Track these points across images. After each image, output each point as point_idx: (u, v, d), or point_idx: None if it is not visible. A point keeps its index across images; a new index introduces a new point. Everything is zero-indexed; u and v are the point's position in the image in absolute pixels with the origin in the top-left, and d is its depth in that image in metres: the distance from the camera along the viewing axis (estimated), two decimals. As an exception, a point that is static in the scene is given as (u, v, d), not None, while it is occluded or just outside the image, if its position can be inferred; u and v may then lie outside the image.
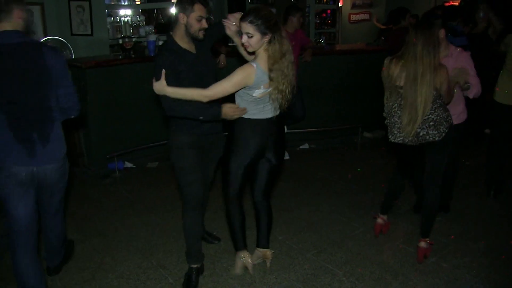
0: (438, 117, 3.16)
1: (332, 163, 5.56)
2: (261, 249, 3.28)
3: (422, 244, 3.44)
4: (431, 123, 3.15)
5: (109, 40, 6.43)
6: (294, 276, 3.25)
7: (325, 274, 3.29)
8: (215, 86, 2.75)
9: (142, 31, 6.50)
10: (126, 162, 5.49)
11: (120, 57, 5.54)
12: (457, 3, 8.27)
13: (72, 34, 6.47)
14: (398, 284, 3.16)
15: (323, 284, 3.17)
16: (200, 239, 3.26)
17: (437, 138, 3.18)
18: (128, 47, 5.29)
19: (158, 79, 2.76)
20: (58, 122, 2.87)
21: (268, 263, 3.30)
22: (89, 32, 6.42)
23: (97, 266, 3.43)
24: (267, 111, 2.88)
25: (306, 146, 6.23)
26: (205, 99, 2.74)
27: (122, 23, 6.49)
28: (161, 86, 2.74)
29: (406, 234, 3.86)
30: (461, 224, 4.02)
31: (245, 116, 2.87)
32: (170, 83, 2.73)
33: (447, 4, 8.22)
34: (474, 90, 3.52)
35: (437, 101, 3.16)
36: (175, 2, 2.97)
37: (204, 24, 2.91)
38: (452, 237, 3.80)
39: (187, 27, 2.91)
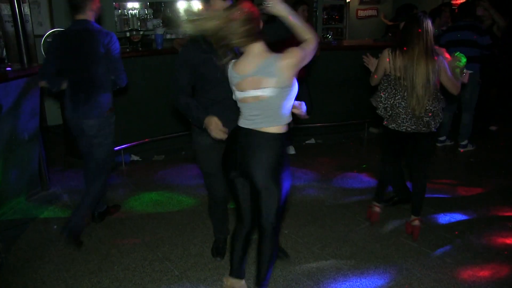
0: (435, 108, 3.43)
1: (338, 158, 5.56)
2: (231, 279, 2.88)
3: (417, 222, 3.71)
4: (429, 114, 3.41)
5: (116, 33, 6.43)
6: (299, 270, 3.27)
7: (330, 268, 3.31)
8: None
9: (149, 25, 6.52)
10: (132, 155, 5.52)
11: (128, 50, 5.56)
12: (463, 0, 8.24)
13: (79, 27, 6.49)
14: (402, 278, 3.17)
15: (328, 278, 3.18)
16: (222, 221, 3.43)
17: (433, 129, 3.45)
18: (136, 40, 5.31)
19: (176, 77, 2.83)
20: (103, 89, 3.57)
21: None
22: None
23: (103, 258, 3.47)
24: None
25: (312, 141, 6.24)
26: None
27: (130, 16, 6.51)
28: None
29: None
30: (464, 220, 4.03)
31: None
32: (181, 78, 2.82)
33: (454, 2, 8.19)
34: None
35: (434, 92, 3.39)
36: None
37: None
38: (456, 232, 3.81)
39: None
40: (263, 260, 2.66)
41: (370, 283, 3.14)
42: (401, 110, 3.49)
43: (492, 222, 4.01)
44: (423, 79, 3.32)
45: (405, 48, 3.39)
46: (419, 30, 3.31)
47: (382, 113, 3.66)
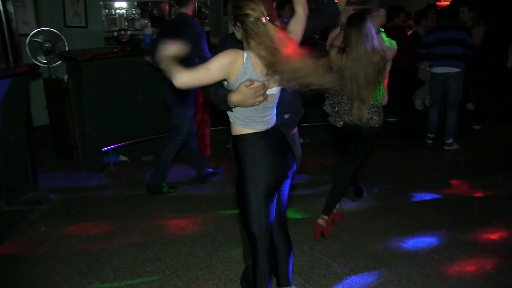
0: (379, 105, 3.56)
1: (326, 157, 5.59)
2: None
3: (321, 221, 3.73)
4: (374, 109, 3.49)
5: (103, 33, 6.42)
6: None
7: (320, 265, 3.35)
8: (198, 68, 2.15)
9: (137, 24, 6.50)
10: (120, 156, 5.49)
11: (115, 49, 5.53)
12: (448, 3, 8.39)
13: (66, 26, 6.47)
14: (391, 275, 3.22)
15: (318, 276, 3.22)
16: None
17: (377, 125, 3.53)
18: (124, 40, 5.30)
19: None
20: None
21: None
22: (84, 24, 6.43)
23: (94, 259, 3.45)
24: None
25: (300, 140, 6.24)
26: (174, 82, 2.11)
27: (117, 16, 6.47)
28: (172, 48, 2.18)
29: (399, 226, 3.93)
30: (450, 217, 4.10)
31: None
32: None
33: (439, 4, 8.31)
34: None
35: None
36: None
37: None
38: (443, 229, 3.87)
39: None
40: (287, 256, 2.70)
41: (360, 280, 3.18)
42: (346, 107, 3.58)
43: (478, 218, 4.09)
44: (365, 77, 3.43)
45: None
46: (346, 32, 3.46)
47: (328, 110, 3.78)
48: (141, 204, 4.37)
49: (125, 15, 6.61)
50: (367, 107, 3.45)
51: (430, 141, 6.16)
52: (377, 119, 3.52)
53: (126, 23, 6.58)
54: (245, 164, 2.31)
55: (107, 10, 6.56)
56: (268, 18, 2.15)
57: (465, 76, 5.76)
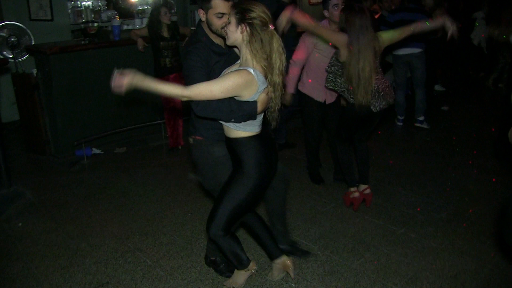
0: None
1: (300, 142, 5.63)
2: (277, 260, 2.99)
3: (368, 190, 3.96)
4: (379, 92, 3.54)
5: (70, 26, 6.29)
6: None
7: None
8: (201, 86, 2.30)
9: (104, 16, 6.39)
10: (93, 149, 5.42)
11: (83, 42, 5.44)
12: None
13: (30, 19, 6.31)
14: (371, 255, 3.30)
15: (299, 259, 3.26)
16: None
17: (376, 109, 3.57)
18: (92, 32, 5.22)
19: (194, 77, 2.40)
20: None
21: (291, 273, 2.99)
22: (49, 17, 6.30)
23: (73, 253, 3.42)
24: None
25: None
26: (183, 99, 2.32)
27: (83, 8, 6.35)
28: (128, 80, 2.23)
29: (375, 207, 4.01)
30: (425, 196, 4.21)
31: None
32: (200, 78, 2.41)
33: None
34: None
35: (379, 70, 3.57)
36: None
37: (226, 21, 2.47)
38: (418, 209, 3.98)
39: (208, 24, 2.59)
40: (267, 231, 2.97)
41: (341, 261, 3.25)
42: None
43: (451, 197, 4.21)
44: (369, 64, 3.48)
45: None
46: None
47: (341, 88, 3.75)
48: (117, 196, 4.34)
49: (91, 7, 6.48)
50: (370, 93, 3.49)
51: (400, 123, 6.30)
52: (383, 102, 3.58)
53: (93, 15, 6.46)
54: (248, 165, 2.50)
55: (72, 2, 6.41)
56: (274, 26, 2.36)
57: (431, 57, 5.90)
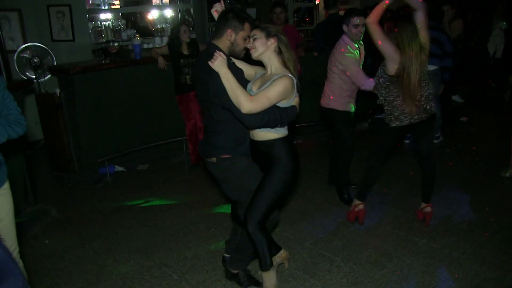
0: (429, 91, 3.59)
1: (320, 156, 5.67)
2: (277, 254, 3.11)
3: (428, 209, 3.90)
4: (430, 97, 3.57)
5: (91, 45, 6.46)
6: (294, 265, 3.37)
7: (323, 261, 3.43)
8: (259, 97, 2.55)
9: (124, 35, 6.55)
10: (116, 166, 5.54)
11: (103, 61, 5.58)
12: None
13: (53, 40, 6.49)
14: (394, 266, 3.32)
15: (322, 271, 3.31)
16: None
17: (434, 110, 3.60)
18: (114, 51, 5.35)
19: (217, 83, 2.57)
20: None
21: (286, 264, 3.21)
22: (71, 38, 6.47)
23: (100, 268, 3.50)
24: None
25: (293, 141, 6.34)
26: (242, 109, 2.53)
27: (104, 28, 6.52)
28: (222, 62, 2.53)
29: (396, 219, 4.04)
30: (446, 207, 4.22)
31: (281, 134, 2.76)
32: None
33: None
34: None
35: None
36: (220, 15, 2.80)
37: (248, 43, 2.74)
38: (440, 219, 3.98)
39: (233, 44, 2.74)
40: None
41: (364, 272, 3.27)
42: (398, 106, 3.59)
43: (471, 206, 4.21)
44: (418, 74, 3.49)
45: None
46: (396, 30, 3.47)
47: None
48: (141, 212, 4.43)
49: (111, 27, 6.65)
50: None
51: (407, 141, 6.19)
52: (433, 104, 3.62)
53: (113, 35, 6.63)
54: (285, 161, 2.74)
55: (93, 23, 6.60)
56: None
57: (450, 70, 5.90)
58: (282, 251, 3.13)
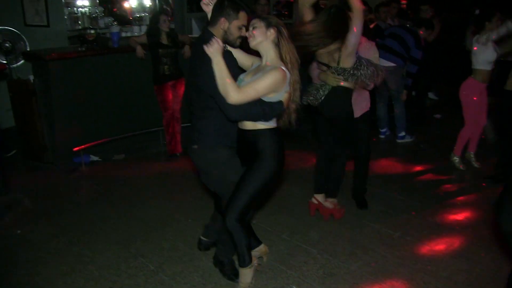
0: None
1: (299, 150, 5.70)
2: (257, 249, 3.20)
3: (328, 204, 3.98)
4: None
5: (67, 32, 6.32)
6: (272, 257, 3.39)
7: (300, 253, 3.47)
8: (247, 88, 2.54)
9: (101, 23, 6.43)
10: (92, 156, 5.45)
11: (80, 49, 5.46)
12: None
13: (26, 25, 6.31)
14: (369, 258, 3.39)
15: (299, 262, 3.35)
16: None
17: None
18: (91, 38, 5.24)
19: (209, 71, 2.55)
20: None
21: (265, 258, 3.27)
22: (45, 23, 6.29)
23: (76, 259, 3.45)
24: None
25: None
26: (228, 99, 2.51)
27: (80, 14, 6.38)
28: (218, 49, 2.50)
29: (371, 212, 4.12)
30: (420, 201, 4.32)
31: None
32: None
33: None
34: None
35: None
36: (216, 3, 2.76)
37: (244, 32, 2.75)
38: (413, 213, 4.08)
39: (226, 33, 2.74)
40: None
41: (339, 263, 3.33)
42: None
43: (444, 201, 4.34)
44: None
45: None
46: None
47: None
48: (118, 203, 4.38)
49: (88, 14, 6.52)
50: None
51: (382, 136, 6.29)
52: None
53: (90, 22, 6.50)
54: (268, 154, 2.72)
55: (69, 9, 6.45)
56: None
57: (423, 69, 5.99)
58: (262, 246, 3.17)
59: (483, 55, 4.64)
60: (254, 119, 2.66)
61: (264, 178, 2.72)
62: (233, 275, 3.11)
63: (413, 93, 7.23)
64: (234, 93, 2.50)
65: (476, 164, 5.10)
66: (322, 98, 3.57)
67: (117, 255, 3.49)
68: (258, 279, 3.11)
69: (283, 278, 3.17)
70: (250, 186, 2.71)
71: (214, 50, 2.49)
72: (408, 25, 5.96)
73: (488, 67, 4.68)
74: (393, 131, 6.25)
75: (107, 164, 5.42)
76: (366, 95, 3.98)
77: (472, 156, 5.15)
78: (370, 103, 4.06)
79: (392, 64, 5.68)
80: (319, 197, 3.99)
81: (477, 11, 5.51)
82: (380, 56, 5.22)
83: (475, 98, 4.74)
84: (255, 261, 2.99)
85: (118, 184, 4.80)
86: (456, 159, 5.09)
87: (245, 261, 2.87)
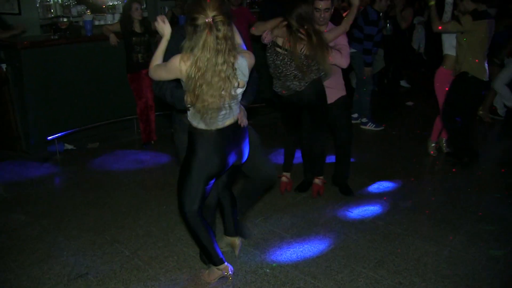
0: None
1: (270, 137, 5.76)
2: (229, 237, 3.23)
3: (317, 181, 4.18)
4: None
5: (39, 20, 6.24)
6: (246, 242, 3.45)
7: (274, 237, 3.54)
8: (157, 66, 2.54)
9: (74, 11, 6.37)
10: (66, 144, 5.41)
11: (52, 37, 5.40)
12: None
13: (-5, 12, 6.20)
14: (341, 242, 3.47)
15: (273, 247, 3.41)
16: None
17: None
18: (63, 27, 5.19)
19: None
20: None
21: (236, 252, 3.26)
22: (17, 11, 6.21)
23: (50, 246, 3.45)
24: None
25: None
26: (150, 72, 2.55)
27: (52, 2, 6.30)
28: (166, 28, 2.50)
29: (343, 197, 4.21)
30: (391, 187, 4.43)
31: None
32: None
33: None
34: None
35: None
36: None
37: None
38: (385, 198, 4.18)
39: None
40: (234, 211, 3.18)
41: (312, 247, 3.40)
42: None
43: (414, 187, 4.46)
44: None
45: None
46: None
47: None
48: (92, 191, 4.38)
49: (60, 2, 6.44)
50: None
51: (353, 121, 6.34)
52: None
53: (62, 10, 6.42)
54: (196, 152, 2.62)
55: (41, -4, 6.37)
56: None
57: (389, 54, 6.09)
58: (234, 239, 3.21)
59: (449, 39, 4.78)
60: (164, 98, 2.68)
61: (190, 168, 2.69)
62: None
63: (385, 80, 7.39)
64: (151, 66, 2.55)
65: (446, 150, 5.24)
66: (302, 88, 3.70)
67: (92, 242, 3.50)
68: (232, 264, 3.15)
69: (256, 263, 3.23)
70: (181, 175, 2.76)
71: (160, 26, 2.52)
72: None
73: (454, 52, 4.77)
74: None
75: (81, 152, 5.39)
76: (339, 80, 4.04)
77: (443, 142, 5.29)
78: (345, 89, 4.13)
79: (353, 50, 5.78)
80: (287, 175, 4.27)
81: None
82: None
83: (447, 89, 4.85)
84: (228, 272, 2.96)
85: (92, 172, 4.79)
86: (432, 144, 5.23)
87: (207, 259, 2.99)
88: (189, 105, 2.50)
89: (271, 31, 3.68)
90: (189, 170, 2.67)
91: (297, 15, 3.49)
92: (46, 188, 4.45)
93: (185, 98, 2.46)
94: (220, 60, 2.35)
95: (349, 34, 5.30)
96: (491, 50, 4.95)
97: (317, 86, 3.74)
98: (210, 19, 2.29)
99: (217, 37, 2.32)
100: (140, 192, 4.35)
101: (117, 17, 6.53)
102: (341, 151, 4.28)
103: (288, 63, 3.64)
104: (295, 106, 3.88)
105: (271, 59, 3.74)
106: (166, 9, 7.67)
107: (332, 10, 3.82)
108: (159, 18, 2.51)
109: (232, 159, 2.74)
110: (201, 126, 2.57)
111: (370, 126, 6.18)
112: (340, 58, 3.75)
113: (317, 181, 4.18)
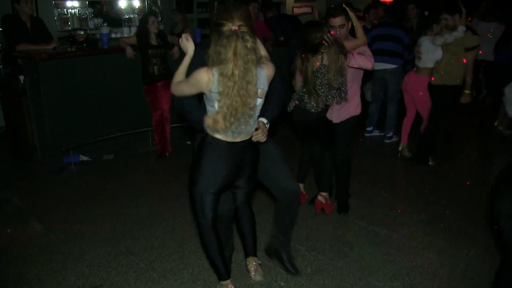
0: None
1: (284, 149, 5.72)
2: (247, 258, 3.18)
3: (320, 198, 4.10)
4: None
5: (57, 32, 6.33)
6: (260, 254, 3.42)
7: (288, 250, 3.52)
8: (180, 81, 2.59)
9: (91, 24, 6.47)
10: (81, 156, 5.46)
11: (69, 49, 5.49)
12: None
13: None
14: (355, 255, 3.45)
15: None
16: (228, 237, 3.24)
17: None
18: (81, 39, 5.29)
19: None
20: None
21: (251, 274, 3.16)
22: (34, 24, 6.28)
23: (66, 257, 3.48)
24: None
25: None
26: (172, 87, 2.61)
27: (70, 15, 6.41)
28: (190, 45, 2.58)
29: (358, 210, 4.18)
30: (405, 199, 4.41)
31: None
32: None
33: (384, 0, 8.66)
34: None
35: None
36: None
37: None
38: (399, 211, 4.15)
39: None
40: (249, 226, 3.14)
41: (327, 260, 3.39)
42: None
43: (429, 199, 4.41)
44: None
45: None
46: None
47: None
48: (107, 202, 4.41)
49: (77, 15, 6.55)
50: None
51: (367, 134, 6.38)
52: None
53: (79, 23, 6.53)
54: (203, 162, 2.63)
55: (59, 10, 6.48)
56: None
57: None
58: (249, 259, 3.15)
59: (435, 55, 4.89)
60: (185, 116, 2.72)
61: (191, 177, 2.73)
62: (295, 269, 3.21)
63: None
64: (173, 82, 2.61)
65: (409, 154, 5.51)
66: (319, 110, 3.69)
67: (107, 253, 3.52)
68: (246, 276, 3.16)
69: (271, 275, 3.22)
70: (190, 187, 2.77)
71: (184, 43, 2.59)
72: (388, 21, 5.99)
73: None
74: (379, 129, 6.36)
75: (96, 163, 5.43)
76: (355, 99, 3.95)
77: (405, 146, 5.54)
78: (360, 108, 4.02)
79: (392, 66, 5.75)
80: (301, 186, 4.27)
81: (426, 13, 5.72)
82: (378, 61, 5.28)
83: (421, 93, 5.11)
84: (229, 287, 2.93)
85: (107, 183, 4.83)
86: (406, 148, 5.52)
87: (217, 275, 2.96)
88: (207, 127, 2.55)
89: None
90: (196, 180, 2.67)
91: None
92: (61, 199, 4.48)
93: (204, 120, 2.53)
94: (252, 69, 2.40)
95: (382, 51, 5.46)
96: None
97: (324, 114, 3.75)
98: (236, 27, 2.33)
99: (246, 47, 2.35)
100: (155, 203, 4.36)
101: (134, 30, 6.62)
102: (339, 170, 4.13)
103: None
104: (302, 128, 3.92)
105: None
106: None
107: (349, 25, 3.77)
108: (183, 36, 2.59)
109: (239, 175, 2.74)
110: (217, 135, 2.58)
111: (394, 139, 6.10)
112: (365, 59, 3.70)
113: (319, 197, 4.09)
